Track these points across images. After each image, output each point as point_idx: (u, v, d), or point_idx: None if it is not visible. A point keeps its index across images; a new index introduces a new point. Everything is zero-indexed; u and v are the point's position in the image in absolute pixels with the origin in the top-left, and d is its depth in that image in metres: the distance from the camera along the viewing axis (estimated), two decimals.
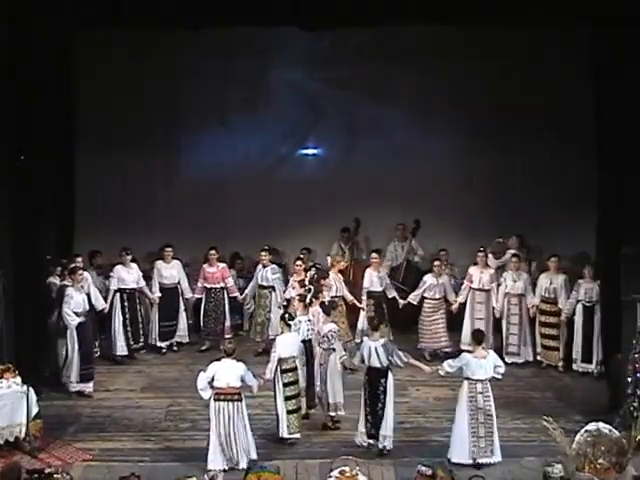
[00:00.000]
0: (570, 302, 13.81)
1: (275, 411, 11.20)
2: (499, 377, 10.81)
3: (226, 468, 10.33)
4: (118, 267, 14.53)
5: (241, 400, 10.49)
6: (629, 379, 11.07)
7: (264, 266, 14.74)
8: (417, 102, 16.24)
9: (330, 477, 9.61)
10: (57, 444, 11.14)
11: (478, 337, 10.93)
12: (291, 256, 15.28)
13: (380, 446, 10.76)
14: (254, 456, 10.46)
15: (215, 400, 10.42)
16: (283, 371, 11.13)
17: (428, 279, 14.50)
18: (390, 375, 10.80)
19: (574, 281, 13.92)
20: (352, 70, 16.07)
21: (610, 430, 9.87)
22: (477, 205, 16.25)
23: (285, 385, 11.11)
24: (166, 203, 16.42)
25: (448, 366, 10.78)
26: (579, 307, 13.72)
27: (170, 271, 14.92)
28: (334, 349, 11.46)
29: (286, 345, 11.23)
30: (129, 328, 14.46)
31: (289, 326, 11.45)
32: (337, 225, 16.09)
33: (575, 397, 12.81)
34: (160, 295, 14.83)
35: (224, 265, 15.06)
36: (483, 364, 10.54)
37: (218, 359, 10.59)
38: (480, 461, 10.47)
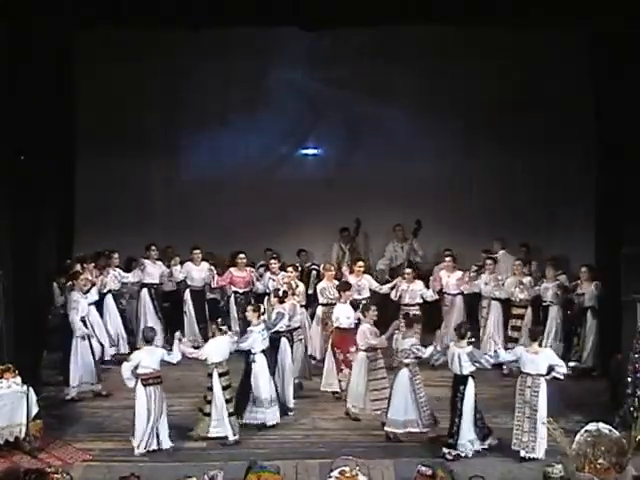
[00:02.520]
0: (535, 290, 13.95)
1: (200, 412, 11.40)
2: (561, 377, 10.86)
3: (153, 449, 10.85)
4: (146, 262, 14.68)
5: (162, 382, 11.09)
6: (629, 379, 11.09)
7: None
8: (417, 102, 16.25)
9: (330, 477, 9.63)
10: (57, 444, 11.15)
11: (533, 335, 11.13)
12: (289, 257, 15.28)
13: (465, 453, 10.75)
14: None
15: (145, 385, 10.92)
16: (220, 374, 11.29)
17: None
18: (471, 382, 10.84)
19: (572, 281, 14.00)
20: (352, 70, 16.08)
21: (610, 430, 9.88)
22: (477, 205, 16.28)
23: (224, 388, 11.28)
24: (166, 203, 16.44)
25: (504, 353, 11.15)
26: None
27: (200, 273, 14.88)
28: (407, 364, 11.37)
29: (218, 349, 11.33)
30: (163, 320, 14.71)
31: (220, 330, 11.51)
32: (337, 225, 16.09)
33: (575, 397, 12.80)
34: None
35: (251, 268, 15.00)
36: (535, 359, 10.74)
37: (138, 348, 10.87)
38: (522, 455, 10.62)
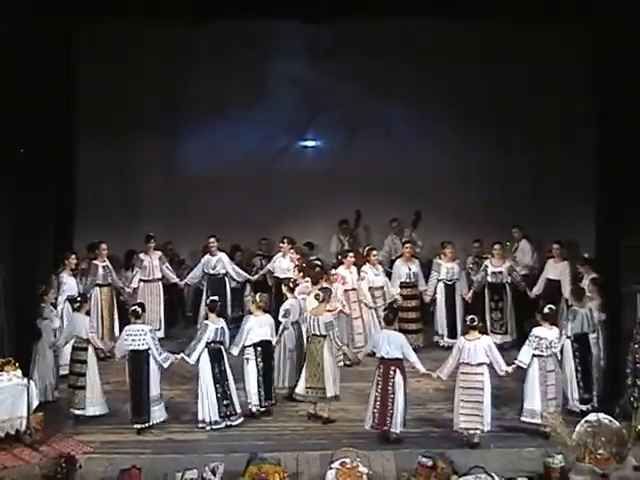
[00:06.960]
0: (432, 283, 14.65)
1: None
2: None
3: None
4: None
5: None
6: (628, 370, 11.11)
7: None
8: (417, 95, 16.25)
9: (331, 468, 9.67)
10: (58, 437, 11.18)
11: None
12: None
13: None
14: None
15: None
16: (74, 348, 11.90)
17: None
18: None
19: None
20: (352, 63, 16.04)
21: (610, 421, 9.92)
22: (476, 197, 16.28)
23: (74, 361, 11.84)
24: (166, 197, 16.45)
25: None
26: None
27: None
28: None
29: (73, 324, 12.05)
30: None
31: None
32: (337, 218, 16.11)
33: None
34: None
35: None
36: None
37: None
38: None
